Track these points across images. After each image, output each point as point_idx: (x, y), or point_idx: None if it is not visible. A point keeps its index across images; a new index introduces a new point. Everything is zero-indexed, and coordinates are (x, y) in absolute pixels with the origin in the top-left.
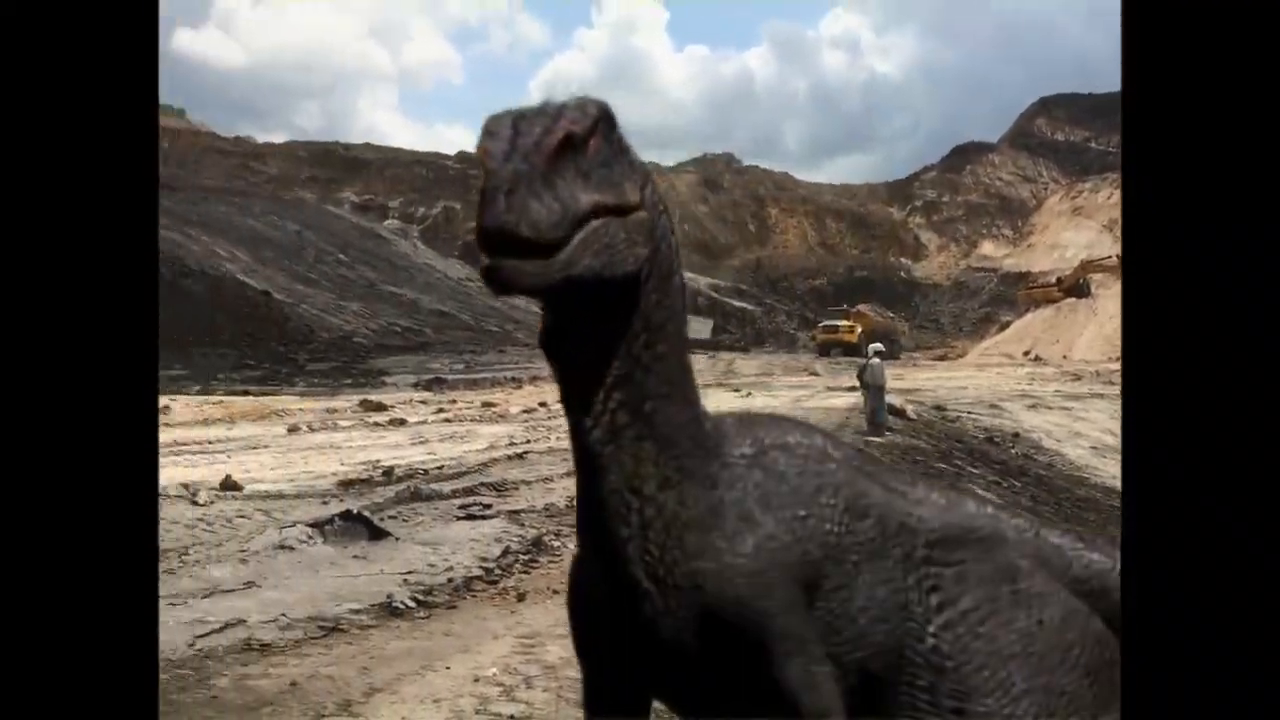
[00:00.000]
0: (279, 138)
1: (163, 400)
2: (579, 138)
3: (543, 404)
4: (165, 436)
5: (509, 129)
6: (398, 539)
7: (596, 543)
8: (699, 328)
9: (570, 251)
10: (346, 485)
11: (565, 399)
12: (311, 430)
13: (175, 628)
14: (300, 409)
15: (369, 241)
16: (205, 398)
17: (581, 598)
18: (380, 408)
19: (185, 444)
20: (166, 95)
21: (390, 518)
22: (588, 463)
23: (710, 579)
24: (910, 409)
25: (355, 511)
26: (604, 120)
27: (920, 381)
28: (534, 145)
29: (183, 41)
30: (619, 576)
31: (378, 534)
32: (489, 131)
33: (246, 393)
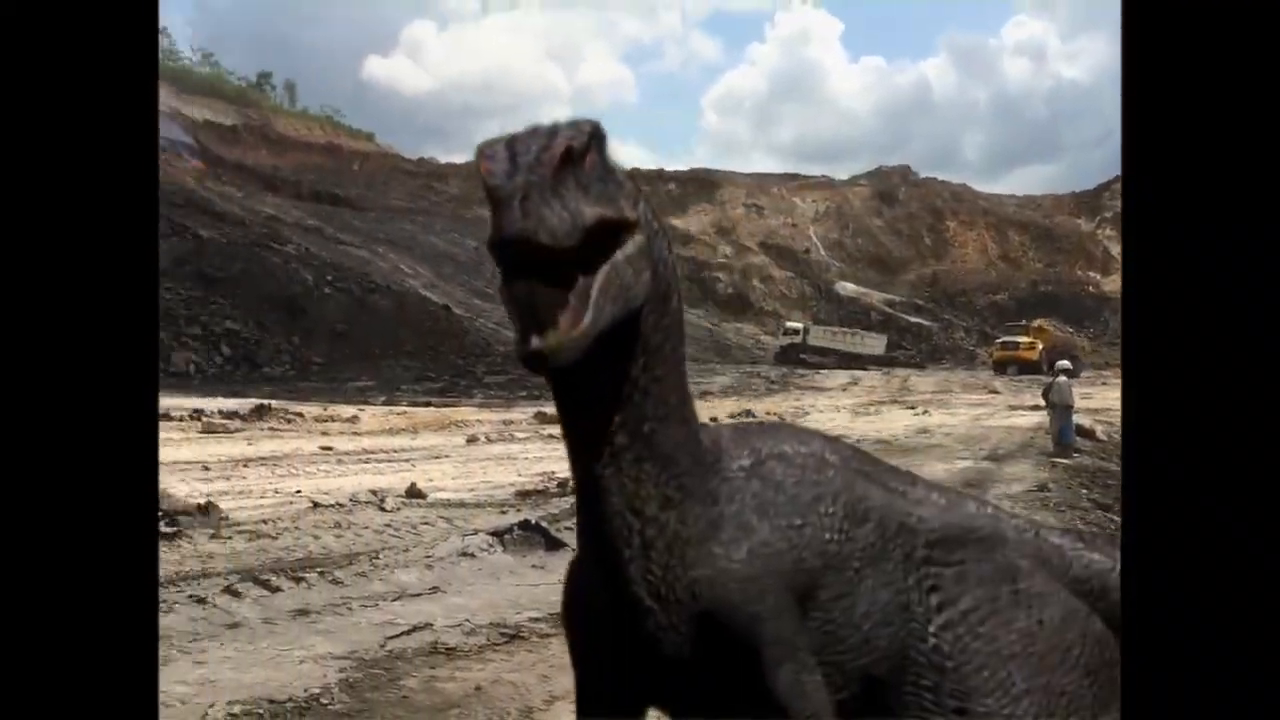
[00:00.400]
0: (462, 158)
1: (352, 410)
2: (577, 152)
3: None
4: (354, 445)
5: (505, 149)
6: (573, 550)
7: (598, 561)
8: (873, 343)
9: (595, 309)
10: (524, 495)
11: (564, 421)
12: (489, 441)
13: (368, 629)
14: (478, 420)
15: None
16: (390, 408)
17: (580, 605)
18: (554, 420)
19: (373, 452)
20: (357, 121)
21: (566, 529)
22: (588, 485)
23: (705, 585)
24: (1100, 430)
25: (533, 522)
26: (597, 138)
27: (1110, 401)
28: (536, 159)
29: (373, 69)
30: (621, 595)
31: (554, 544)
32: (485, 154)
33: (428, 404)
